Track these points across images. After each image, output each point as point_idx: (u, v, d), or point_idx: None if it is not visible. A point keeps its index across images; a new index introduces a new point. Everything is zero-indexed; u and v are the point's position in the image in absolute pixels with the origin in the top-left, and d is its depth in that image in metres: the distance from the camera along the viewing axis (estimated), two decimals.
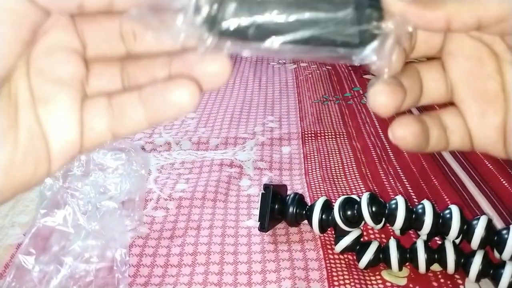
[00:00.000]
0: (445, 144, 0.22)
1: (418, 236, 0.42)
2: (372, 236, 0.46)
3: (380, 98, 0.20)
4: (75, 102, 0.20)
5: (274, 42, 0.19)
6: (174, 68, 0.20)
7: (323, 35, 0.19)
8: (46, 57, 0.19)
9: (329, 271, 0.42)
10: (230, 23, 0.18)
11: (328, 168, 0.60)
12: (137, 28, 0.20)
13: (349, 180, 0.57)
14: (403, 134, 0.21)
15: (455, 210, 0.40)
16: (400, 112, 0.21)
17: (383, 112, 0.20)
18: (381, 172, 0.58)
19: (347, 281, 0.41)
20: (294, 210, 0.45)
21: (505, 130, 0.21)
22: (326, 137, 0.68)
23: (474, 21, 0.19)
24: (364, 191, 0.55)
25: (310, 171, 0.59)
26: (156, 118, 0.20)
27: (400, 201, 0.40)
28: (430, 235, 0.41)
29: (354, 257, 0.43)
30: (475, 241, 0.38)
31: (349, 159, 0.62)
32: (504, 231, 0.38)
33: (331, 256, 0.44)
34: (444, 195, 0.53)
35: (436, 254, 0.41)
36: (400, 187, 0.55)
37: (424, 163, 0.59)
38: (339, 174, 0.59)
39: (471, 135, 0.22)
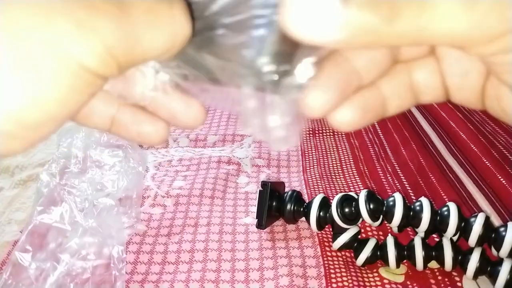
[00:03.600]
0: (412, 103, 0.21)
1: (415, 233, 0.42)
2: (369, 234, 0.46)
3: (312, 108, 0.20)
4: None
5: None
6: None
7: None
8: None
9: (327, 268, 0.42)
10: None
11: (326, 166, 0.60)
12: None
13: (347, 178, 0.57)
14: (339, 122, 0.20)
15: (452, 207, 0.40)
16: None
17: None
18: (379, 170, 0.58)
19: (344, 278, 0.41)
20: (292, 207, 0.45)
21: (484, 89, 0.20)
22: (324, 134, 0.68)
23: (448, 40, 0.17)
24: (362, 188, 0.55)
25: (308, 168, 0.59)
26: (119, 135, 0.22)
27: (398, 198, 0.40)
28: (428, 233, 0.41)
29: (352, 254, 0.43)
30: (473, 239, 0.38)
31: (347, 156, 0.62)
32: (502, 229, 0.38)
33: (328, 254, 0.44)
34: (441, 192, 0.53)
35: (433, 251, 0.41)
36: (397, 184, 0.55)
37: (422, 160, 0.59)
38: (337, 172, 0.59)
39: (448, 91, 0.21)
